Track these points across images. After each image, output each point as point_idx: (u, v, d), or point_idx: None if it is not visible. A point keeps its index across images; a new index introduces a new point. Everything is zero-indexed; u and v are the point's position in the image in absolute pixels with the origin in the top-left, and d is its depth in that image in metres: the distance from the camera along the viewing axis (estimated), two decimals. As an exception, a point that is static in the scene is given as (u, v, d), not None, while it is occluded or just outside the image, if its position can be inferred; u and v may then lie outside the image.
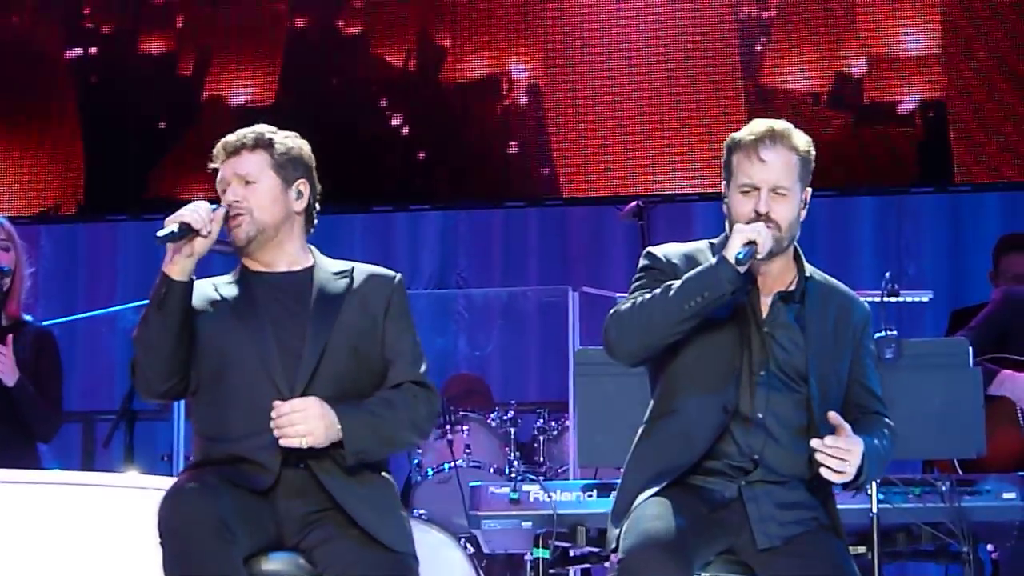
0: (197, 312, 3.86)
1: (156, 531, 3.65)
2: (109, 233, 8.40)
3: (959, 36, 7.53)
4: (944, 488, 5.07)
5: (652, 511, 3.69)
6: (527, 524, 5.24)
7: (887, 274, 5.32)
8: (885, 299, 5.18)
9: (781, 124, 3.86)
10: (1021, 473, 5.17)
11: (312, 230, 4.04)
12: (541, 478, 6.01)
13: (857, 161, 7.58)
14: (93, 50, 8.08)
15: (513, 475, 6.22)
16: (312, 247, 4.05)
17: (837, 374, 3.89)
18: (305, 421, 3.72)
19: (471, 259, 8.37)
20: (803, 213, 3.87)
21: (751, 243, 3.71)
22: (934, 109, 7.55)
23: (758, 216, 3.77)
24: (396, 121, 7.90)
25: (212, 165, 3.98)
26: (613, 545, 3.78)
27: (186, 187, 7.81)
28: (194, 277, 3.84)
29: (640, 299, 3.79)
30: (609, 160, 7.74)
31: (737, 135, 3.86)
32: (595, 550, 5.29)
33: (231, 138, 3.97)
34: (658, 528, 3.62)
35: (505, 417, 6.62)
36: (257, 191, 3.92)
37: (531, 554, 5.26)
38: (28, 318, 5.69)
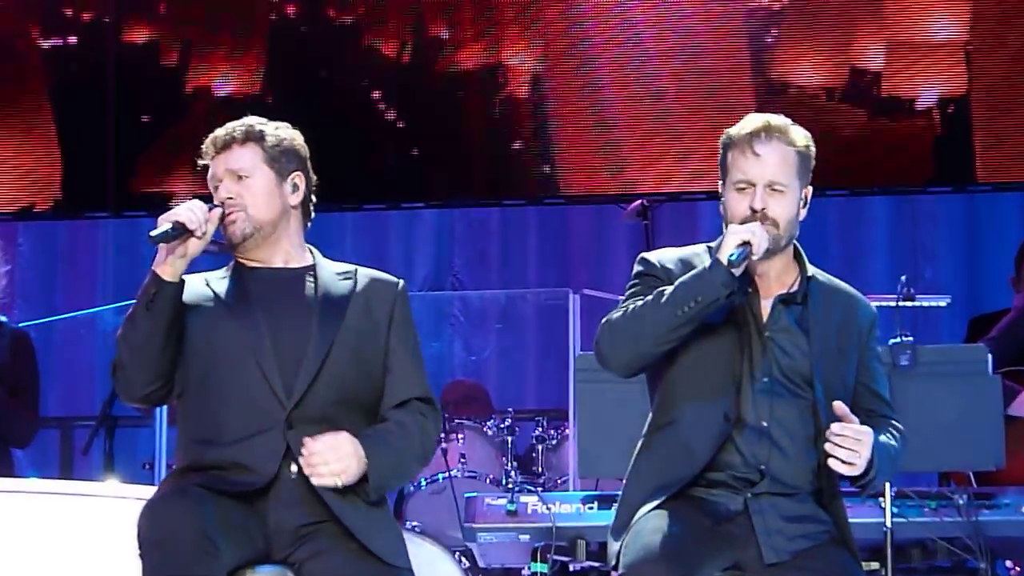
0: (188, 308, 3.82)
1: (135, 543, 3.61)
2: (89, 231, 8.36)
3: (988, 25, 7.48)
4: (961, 501, 5.08)
5: (653, 525, 3.68)
6: (525, 537, 5.25)
7: (902, 277, 5.29)
8: (900, 304, 5.18)
9: (778, 118, 3.85)
10: (1041, 487, 5.23)
11: (310, 224, 4.01)
12: (539, 489, 5.92)
13: (871, 158, 7.55)
14: (72, 39, 8.05)
15: (510, 486, 6.16)
16: (311, 246, 4.02)
17: (843, 378, 3.87)
18: (340, 460, 3.72)
19: (467, 260, 8.33)
20: (803, 212, 3.85)
21: (745, 244, 3.69)
22: (955, 104, 7.50)
23: (754, 213, 3.77)
24: (390, 115, 7.88)
25: (202, 161, 3.96)
26: (613, 561, 3.76)
27: (169, 182, 7.81)
28: (184, 277, 3.81)
29: (632, 307, 3.79)
30: (612, 157, 7.71)
31: (732, 130, 3.86)
32: (596, 564, 5.27)
33: (220, 132, 3.95)
34: (660, 543, 3.61)
35: (502, 425, 6.60)
36: (251, 186, 3.90)
37: (529, 568, 5.29)
38: (3, 319, 5.73)
